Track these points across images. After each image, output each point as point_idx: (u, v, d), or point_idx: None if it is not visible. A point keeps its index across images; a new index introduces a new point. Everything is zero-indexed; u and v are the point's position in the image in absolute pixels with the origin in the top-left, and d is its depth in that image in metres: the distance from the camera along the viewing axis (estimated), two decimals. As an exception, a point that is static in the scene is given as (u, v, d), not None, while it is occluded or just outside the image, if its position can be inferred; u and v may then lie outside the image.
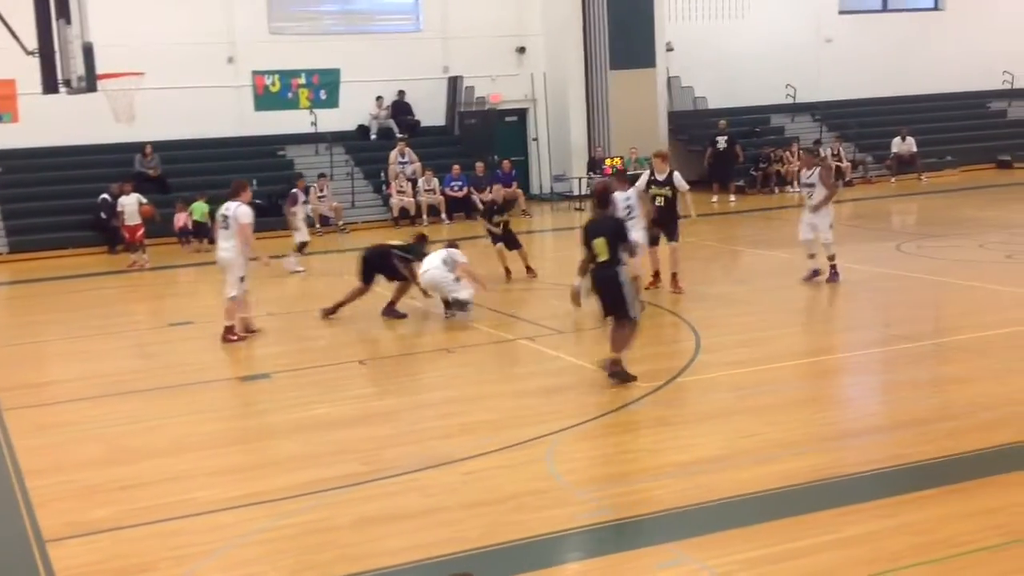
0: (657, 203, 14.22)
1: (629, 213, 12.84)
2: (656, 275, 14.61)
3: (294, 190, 18.88)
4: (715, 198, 25.57)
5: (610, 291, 9.88)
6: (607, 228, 9.93)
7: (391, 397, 9.98)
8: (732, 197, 25.81)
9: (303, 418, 9.39)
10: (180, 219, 21.77)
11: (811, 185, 14.47)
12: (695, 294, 14.38)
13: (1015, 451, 7.71)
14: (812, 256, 14.43)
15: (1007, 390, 9.17)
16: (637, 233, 12.64)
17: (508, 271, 16.01)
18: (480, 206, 21.36)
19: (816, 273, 14.31)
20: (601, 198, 10.40)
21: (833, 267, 14.23)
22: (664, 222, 14.22)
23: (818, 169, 14.65)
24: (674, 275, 14.37)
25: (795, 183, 26.79)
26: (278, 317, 14.04)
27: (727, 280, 16.16)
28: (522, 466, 7.92)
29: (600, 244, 9.78)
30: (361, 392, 10.19)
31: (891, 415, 9.03)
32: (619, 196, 12.49)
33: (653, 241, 14.29)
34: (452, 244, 13.79)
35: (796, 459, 7.72)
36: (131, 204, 19.65)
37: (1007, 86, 31.72)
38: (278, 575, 6.27)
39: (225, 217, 12.21)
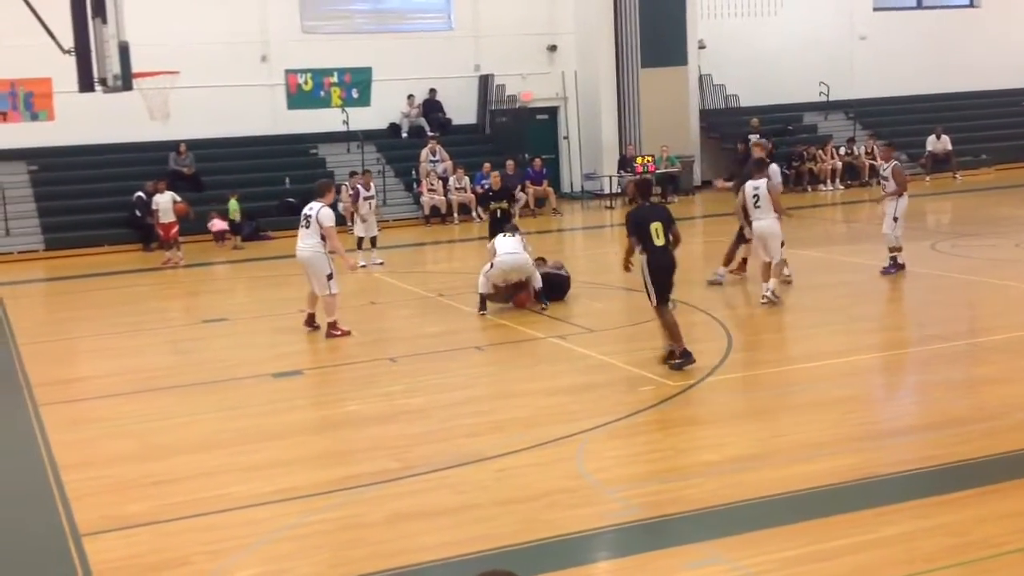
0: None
1: (756, 202, 13.16)
2: (743, 263, 14.97)
3: (357, 185, 18.83)
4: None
5: (671, 274, 10.39)
6: (661, 214, 10.41)
7: (422, 394, 10.00)
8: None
9: (335, 415, 9.45)
10: (215, 224, 21.91)
11: (886, 178, 14.99)
12: (727, 293, 14.34)
13: (1051, 452, 7.64)
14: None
15: (1042, 391, 9.08)
16: (767, 222, 13.02)
17: None
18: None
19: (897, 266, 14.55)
20: (644, 188, 11.11)
21: (893, 259, 14.58)
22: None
23: (894, 163, 15.02)
24: (744, 260, 14.90)
25: (828, 181, 26.73)
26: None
27: (758, 279, 16.04)
28: (553, 464, 7.92)
29: (658, 228, 10.20)
30: (392, 389, 10.22)
31: (926, 415, 8.95)
32: (748, 185, 13.23)
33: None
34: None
35: (829, 459, 7.68)
36: (165, 202, 19.81)
37: (1044, 84, 31.37)
38: (312, 570, 6.30)
39: (308, 217, 12.36)
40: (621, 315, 13.76)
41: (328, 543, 6.69)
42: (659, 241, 10.23)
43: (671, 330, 10.34)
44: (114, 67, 15.53)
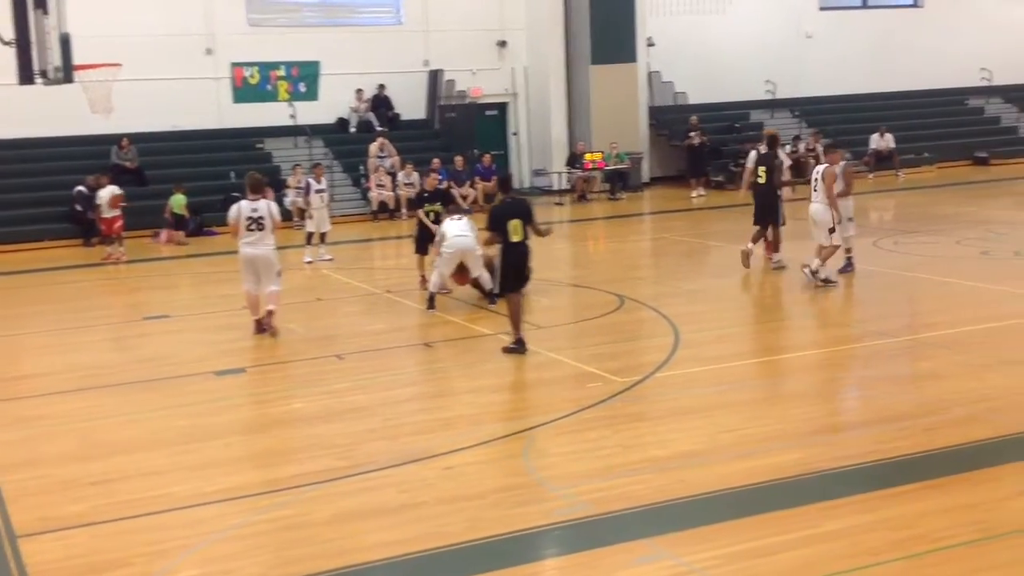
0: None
1: (814, 185, 14.02)
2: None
3: (309, 179, 18.61)
4: (694, 193, 25.70)
5: (525, 266, 11.11)
6: (521, 211, 10.94)
7: (368, 392, 9.91)
8: (701, 192, 25.86)
9: (279, 413, 9.34)
10: (163, 236, 21.55)
11: (818, 179, 14.45)
12: (673, 289, 14.41)
13: (990, 447, 7.74)
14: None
15: (982, 386, 9.21)
16: (816, 206, 13.90)
17: (423, 280, 14.30)
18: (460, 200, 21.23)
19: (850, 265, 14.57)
20: (505, 184, 11.71)
21: (849, 259, 14.60)
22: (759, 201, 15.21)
23: (842, 163, 14.63)
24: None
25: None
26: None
27: (706, 275, 16.19)
28: (499, 461, 7.90)
29: (516, 225, 10.74)
30: (338, 387, 10.11)
31: (869, 411, 9.05)
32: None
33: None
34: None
35: (775, 454, 7.72)
36: (107, 197, 19.47)
37: (985, 83, 31.90)
38: (255, 571, 6.21)
39: (260, 218, 12.00)
40: (569, 311, 13.78)
41: (272, 543, 6.60)
42: (515, 237, 10.78)
43: (513, 318, 10.88)
44: (55, 59, 15.24)
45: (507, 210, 10.97)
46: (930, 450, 7.72)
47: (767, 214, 15.11)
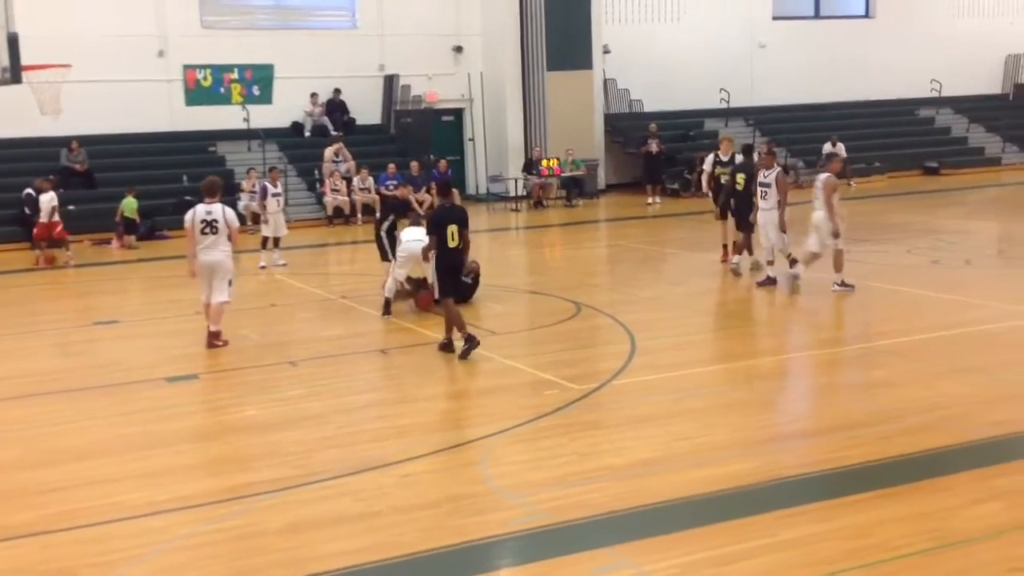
0: (727, 183, 15.81)
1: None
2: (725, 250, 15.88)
3: (264, 183, 18.42)
4: (650, 199, 25.83)
5: (458, 273, 11.44)
6: (459, 217, 11.15)
7: (323, 399, 9.80)
8: (656, 199, 25.99)
9: (232, 420, 9.19)
10: (114, 243, 21.22)
11: (767, 185, 14.48)
12: (630, 296, 14.43)
13: (943, 455, 7.80)
14: (771, 263, 14.52)
15: (934, 394, 9.29)
16: (818, 214, 13.91)
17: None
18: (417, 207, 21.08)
19: (772, 280, 14.33)
20: (444, 190, 11.87)
21: (793, 262, 14.21)
22: (738, 207, 15.26)
23: (777, 170, 14.64)
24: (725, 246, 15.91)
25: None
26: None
27: (662, 282, 16.23)
28: (457, 469, 7.84)
29: (454, 230, 10.96)
30: (292, 394, 9.99)
31: (824, 419, 9.09)
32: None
33: (723, 215, 15.95)
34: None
35: (732, 462, 7.73)
36: (46, 202, 19.12)
37: (935, 94, 32.39)
38: (207, 582, 6.10)
39: (214, 222, 11.65)
40: (525, 318, 13.75)
41: (224, 553, 6.48)
42: (452, 243, 11.01)
43: (455, 320, 11.09)
44: (2, 59, 14.93)
45: (446, 215, 11.15)
46: (884, 458, 7.76)
47: (744, 219, 15.14)
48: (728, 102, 29.90)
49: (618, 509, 6.95)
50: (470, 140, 28.16)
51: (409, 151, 25.39)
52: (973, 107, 32.82)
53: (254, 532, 6.75)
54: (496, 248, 21.46)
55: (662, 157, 26.88)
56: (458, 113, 28.19)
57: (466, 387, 10.09)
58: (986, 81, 33.93)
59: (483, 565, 6.29)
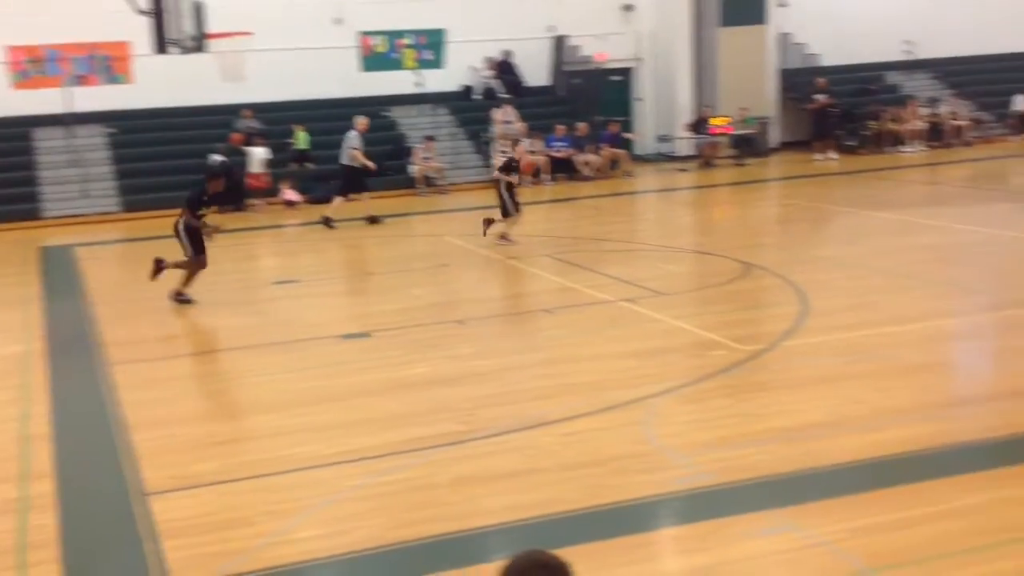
0: None
1: None
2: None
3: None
4: (818, 156, 25.04)
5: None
6: None
7: (489, 357, 9.93)
8: (833, 155, 25.14)
9: (402, 377, 9.42)
10: (288, 194, 22.02)
11: None
12: (801, 256, 14.03)
13: None
14: None
15: None
16: None
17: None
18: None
19: None
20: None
21: None
22: None
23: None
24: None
25: (910, 142, 25.95)
26: (381, 276, 14.12)
27: (836, 242, 15.71)
28: (621, 428, 7.81)
29: None
30: (460, 352, 10.17)
31: (1004, 383, 8.65)
32: None
33: None
34: None
35: (905, 427, 7.45)
36: (261, 155, 20.90)
37: None
38: (376, 532, 6.28)
39: None
40: (693, 279, 13.56)
41: (392, 504, 6.67)
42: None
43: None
44: (189, 27, 15.63)
45: None
46: (1073, 425, 7.33)
47: None
48: (913, 53, 28.49)
49: (785, 472, 6.81)
50: (639, 100, 27.81)
51: (578, 112, 25.28)
52: None
53: (421, 485, 6.92)
54: (664, 208, 21.23)
55: (836, 112, 25.90)
56: (627, 73, 27.87)
57: (631, 347, 10.02)
58: None
59: (645, 524, 6.27)
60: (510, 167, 16.06)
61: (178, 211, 13.01)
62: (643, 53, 27.43)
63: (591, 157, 24.13)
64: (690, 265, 14.43)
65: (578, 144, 24.24)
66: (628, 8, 27.24)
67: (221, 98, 23.16)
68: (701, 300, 12.19)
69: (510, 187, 15.70)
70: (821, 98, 25.70)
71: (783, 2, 27.29)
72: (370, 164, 18.81)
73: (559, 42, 26.58)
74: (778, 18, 27.19)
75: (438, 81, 24.62)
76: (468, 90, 26.24)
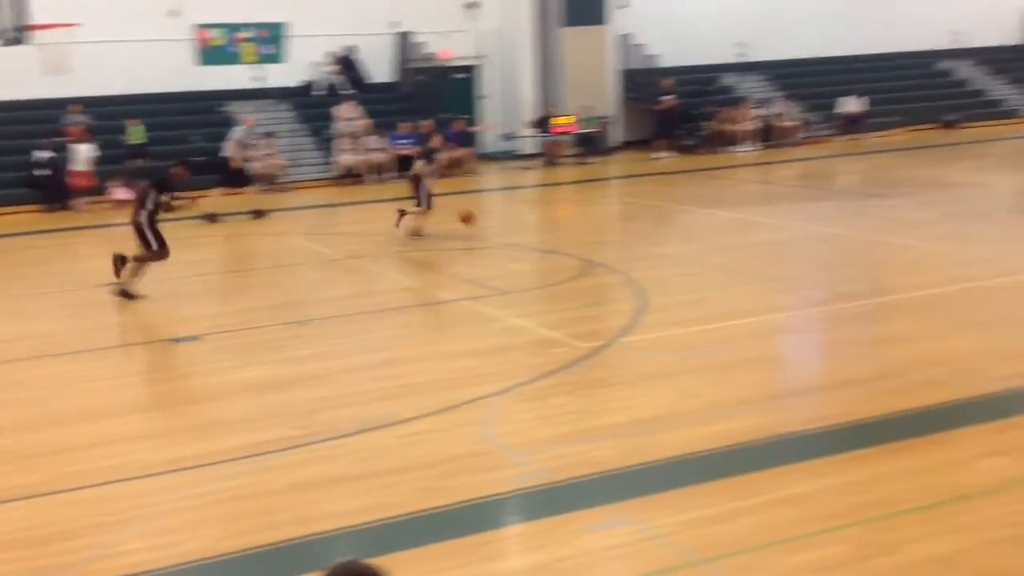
0: None
1: None
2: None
3: None
4: (659, 154, 25.69)
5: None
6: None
7: (329, 359, 9.78)
8: (672, 154, 25.79)
9: (235, 381, 9.17)
10: (117, 193, 21.19)
11: None
12: (641, 253, 14.33)
13: (949, 410, 7.72)
14: None
15: (943, 348, 9.20)
16: None
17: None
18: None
19: None
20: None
21: None
22: None
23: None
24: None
25: (744, 142, 26.81)
26: (218, 276, 13.75)
27: (674, 239, 16.11)
28: (460, 429, 7.80)
29: None
30: (298, 354, 9.97)
31: (833, 374, 9.02)
32: None
33: None
34: None
35: (739, 419, 7.67)
36: (86, 152, 19.89)
37: (953, 46, 31.84)
38: (208, 542, 6.09)
39: None
40: (535, 276, 13.68)
41: (226, 513, 6.49)
42: None
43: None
44: (8, 19, 14.88)
45: None
46: (891, 413, 7.69)
47: None
48: (746, 56, 29.48)
49: (621, 466, 6.92)
50: (483, 98, 27.92)
51: (422, 109, 25.20)
52: (991, 59, 32.24)
53: (256, 492, 6.75)
54: (508, 206, 21.36)
55: (676, 112, 26.62)
56: (471, 71, 27.93)
57: (473, 346, 10.03)
58: (1006, 32, 33.32)
59: (481, 524, 6.26)
60: (430, 157, 16.09)
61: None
62: (487, 51, 27.55)
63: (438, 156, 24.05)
64: (533, 263, 14.56)
65: (423, 141, 24.12)
66: (472, 6, 27.30)
67: (46, 92, 22.10)
68: (543, 298, 12.30)
69: (420, 180, 15.56)
70: (668, 99, 26.33)
71: (623, 3, 27.84)
72: (239, 161, 18.81)
73: (403, 38, 26.44)
74: (619, 19, 27.71)
75: (279, 76, 24.13)
76: (310, 86, 25.82)
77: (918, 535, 5.75)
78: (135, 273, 12.36)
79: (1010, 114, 30.46)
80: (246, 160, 18.78)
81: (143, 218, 12.38)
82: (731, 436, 7.34)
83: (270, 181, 22.62)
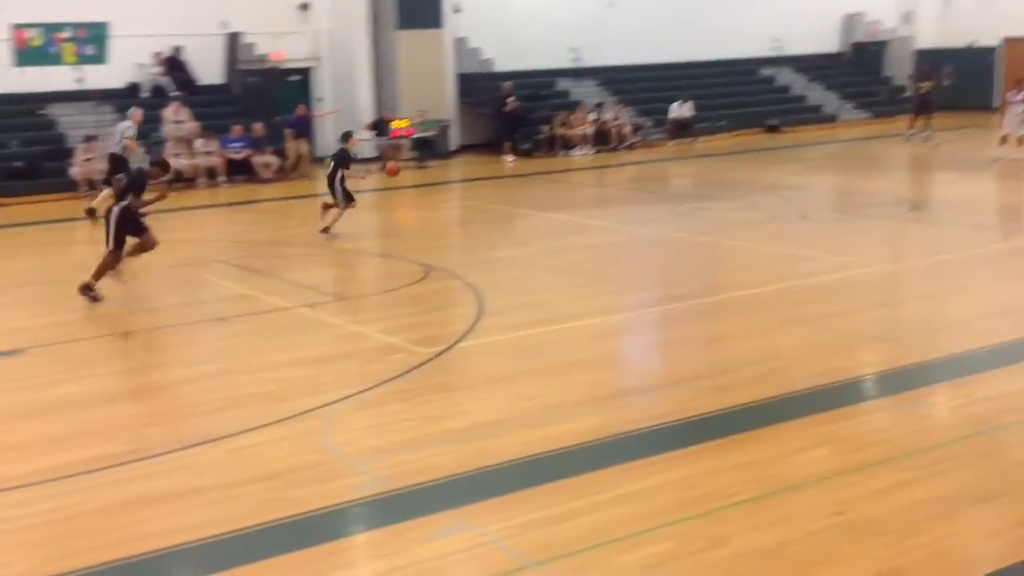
0: None
1: None
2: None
3: None
4: (505, 158, 25.89)
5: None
6: None
7: (158, 371, 9.46)
8: (511, 157, 26.05)
9: (57, 396, 8.75)
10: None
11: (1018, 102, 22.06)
12: (479, 257, 14.39)
13: (775, 405, 8.02)
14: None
15: (770, 345, 9.56)
16: None
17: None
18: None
19: None
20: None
21: None
22: None
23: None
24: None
25: (580, 146, 27.26)
26: (37, 286, 13.11)
27: (513, 243, 16.24)
28: (299, 439, 7.65)
29: None
30: (124, 367, 9.61)
31: (665, 373, 9.26)
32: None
33: None
34: None
35: (575, 420, 7.78)
36: None
37: (776, 54, 33.22)
38: (28, 566, 5.79)
39: None
40: (373, 282, 13.57)
41: (46, 536, 6.17)
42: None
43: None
44: None
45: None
46: (721, 409, 7.94)
47: None
48: (579, 61, 30.01)
49: (461, 471, 6.91)
50: (319, 100, 27.54)
51: (254, 112, 24.66)
52: (811, 66, 33.81)
53: (78, 513, 6.46)
54: (345, 211, 21.09)
55: (516, 116, 26.87)
56: (306, 73, 27.51)
57: (309, 354, 9.87)
58: (824, 40, 34.99)
59: (320, 536, 6.14)
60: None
61: None
62: (321, 53, 27.20)
63: (269, 158, 23.62)
64: (371, 269, 14.44)
65: (256, 145, 23.65)
66: (305, 7, 26.90)
67: None
68: (382, 304, 12.21)
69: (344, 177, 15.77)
70: (512, 102, 26.54)
71: (458, 7, 27.93)
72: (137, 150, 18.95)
73: (232, 39, 25.82)
74: (454, 23, 27.79)
75: (101, 78, 23.19)
76: (135, 87, 24.92)
77: (745, 527, 5.94)
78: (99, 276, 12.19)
79: (829, 119, 32.00)
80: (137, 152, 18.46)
81: (113, 216, 12.18)
82: (568, 437, 7.43)
83: (92, 186, 21.70)
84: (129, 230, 12.15)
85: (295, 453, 7.35)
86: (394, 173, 16.30)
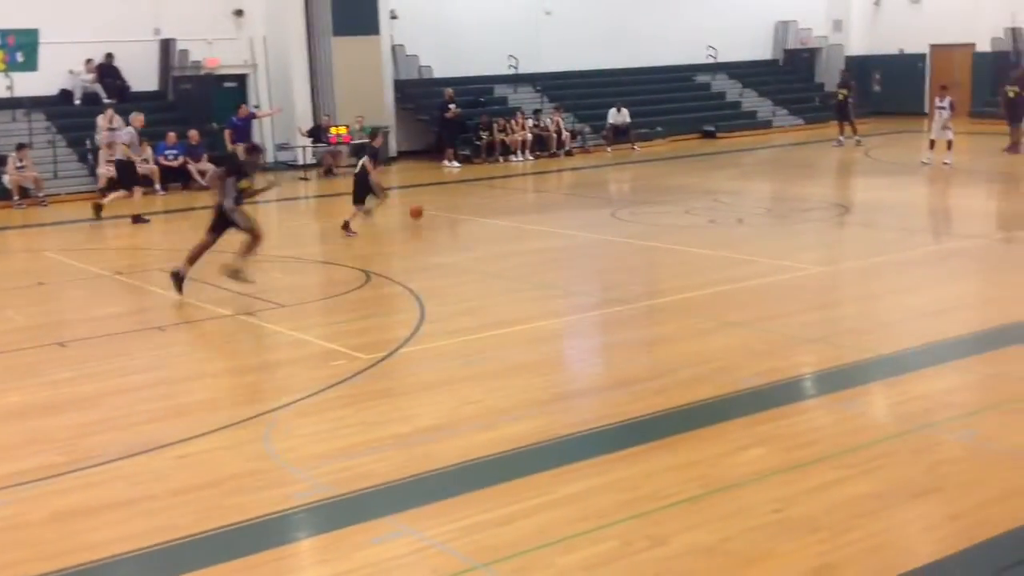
0: None
1: None
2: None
3: None
4: (447, 163, 25.94)
5: None
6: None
7: (95, 381, 9.32)
8: (455, 164, 26.10)
9: (-8, 407, 8.62)
10: None
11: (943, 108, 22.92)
12: (420, 264, 14.40)
13: (713, 406, 8.15)
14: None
15: (706, 348, 9.71)
16: None
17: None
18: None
19: None
20: None
21: None
22: None
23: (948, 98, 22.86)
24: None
25: (518, 152, 27.37)
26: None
27: (453, 248, 16.27)
28: (238, 447, 7.61)
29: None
30: (60, 376, 9.45)
31: (606, 376, 9.36)
32: None
33: None
34: None
35: (516, 424, 7.84)
36: None
37: (711, 60, 33.66)
38: (-39, 582, 5.71)
39: None
40: (314, 289, 13.50)
41: (-15, 548, 6.08)
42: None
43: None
44: None
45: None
46: (660, 411, 8.05)
47: None
48: (517, 68, 30.15)
49: (401, 477, 6.93)
50: (256, 107, 27.33)
51: (190, 119, 24.41)
52: (746, 73, 34.33)
53: (15, 524, 6.37)
54: (286, 218, 20.97)
55: (457, 123, 26.92)
56: (241, 79, 27.29)
57: (250, 362, 9.82)
58: (758, 47, 35.54)
59: (263, 543, 6.12)
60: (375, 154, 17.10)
61: None
62: (257, 59, 27.00)
63: (205, 166, 23.38)
64: (312, 276, 14.37)
65: (192, 152, 23.41)
66: (239, 13, 26.68)
67: None
68: (323, 310, 12.17)
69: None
70: (453, 108, 26.57)
71: (395, 14, 27.91)
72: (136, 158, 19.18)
73: (166, 46, 25.54)
74: (391, 30, 27.76)
75: (32, 85, 22.80)
76: (67, 95, 24.53)
77: (685, 526, 6.04)
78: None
79: (764, 124, 32.51)
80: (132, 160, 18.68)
81: (228, 205, 12.36)
82: (510, 440, 7.49)
83: (24, 194, 21.34)
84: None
85: (237, 460, 7.31)
86: (417, 215, 17.31)
